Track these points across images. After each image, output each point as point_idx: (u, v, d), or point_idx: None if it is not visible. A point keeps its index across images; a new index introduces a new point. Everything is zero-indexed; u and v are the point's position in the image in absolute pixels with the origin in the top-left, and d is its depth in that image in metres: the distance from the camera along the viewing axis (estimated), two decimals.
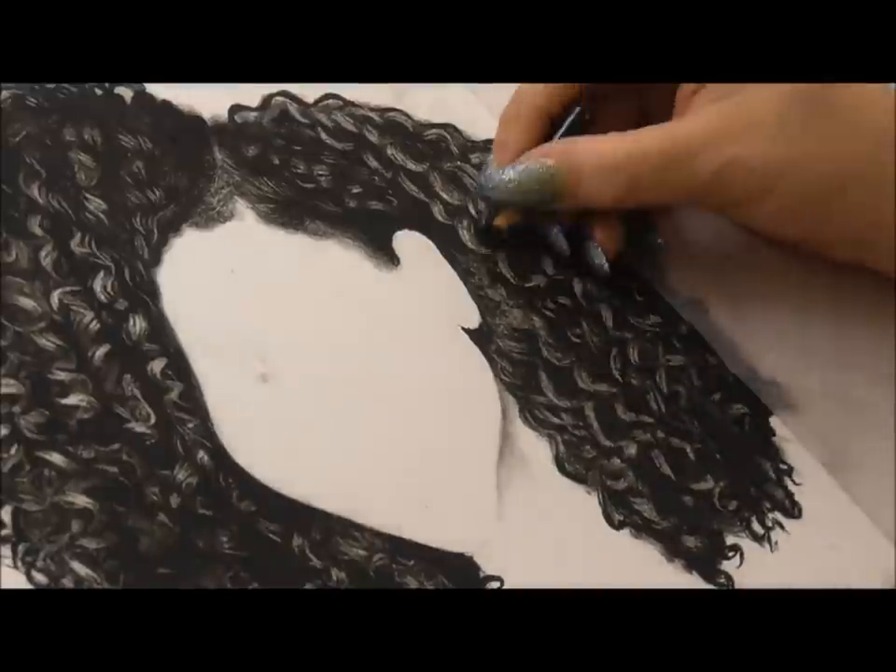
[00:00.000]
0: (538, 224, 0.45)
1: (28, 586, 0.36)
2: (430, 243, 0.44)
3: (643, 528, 0.42)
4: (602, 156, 0.41)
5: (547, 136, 0.43)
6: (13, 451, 0.37)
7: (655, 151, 0.40)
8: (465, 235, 0.45)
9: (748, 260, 0.47)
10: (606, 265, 0.44)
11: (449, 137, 0.46)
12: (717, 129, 0.40)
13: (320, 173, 0.44)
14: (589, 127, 0.43)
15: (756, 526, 0.44)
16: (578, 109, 0.43)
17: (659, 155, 0.40)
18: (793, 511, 0.44)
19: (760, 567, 0.43)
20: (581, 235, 0.44)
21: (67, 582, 0.36)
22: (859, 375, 0.46)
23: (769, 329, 0.46)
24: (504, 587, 0.40)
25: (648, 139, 0.41)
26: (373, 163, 0.45)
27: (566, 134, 0.43)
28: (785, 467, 0.45)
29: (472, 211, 0.45)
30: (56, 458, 0.37)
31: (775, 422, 0.45)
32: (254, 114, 0.44)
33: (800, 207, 0.42)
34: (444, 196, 0.45)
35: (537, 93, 0.43)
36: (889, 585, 0.43)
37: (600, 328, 0.45)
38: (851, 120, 0.41)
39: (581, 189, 0.41)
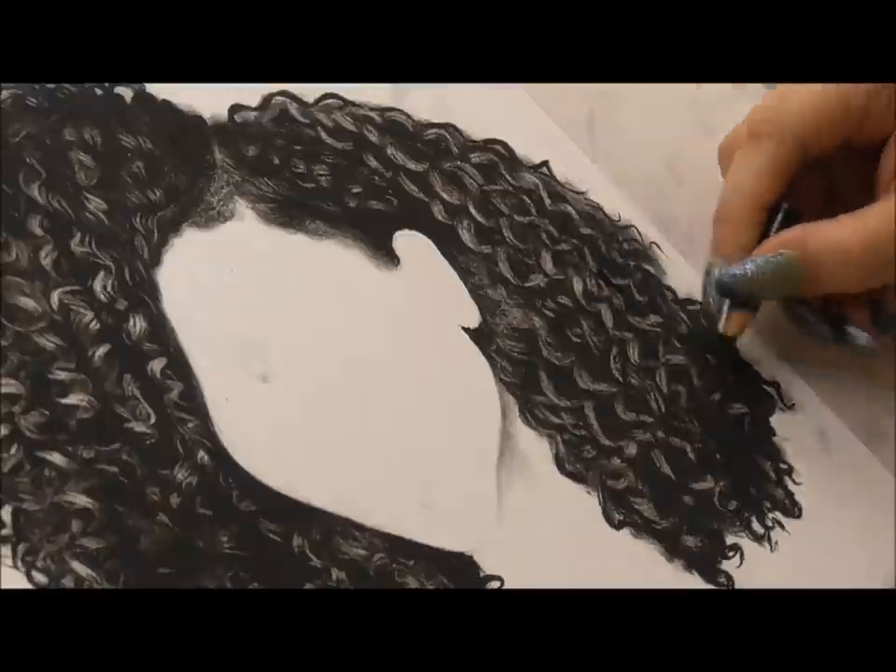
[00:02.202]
0: (793, 311, 0.45)
1: (28, 586, 0.36)
2: (430, 243, 0.44)
3: (643, 528, 0.42)
4: (839, 244, 0.40)
5: (763, 230, 0.43)
6: (13, 451, 0.37)
7: (887, 229, 0.40)
8: (465, 235, 0.45)
9: None
10: (871, 340, 0.44)
11: (449, 137, 0.46)
12: None
13: (320, 173, 0.44)
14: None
15: (756, 526, 0.44)
16: (785, 206, 0.43)
17: (889, 234, 0.40)
18: (793, 510, 0.44)
19: (760, 567, 0.43)
20: (839, 319, 0.44)
21: (67, 582, 0.36)
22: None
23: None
24: (504, 587, 0.40)
25: (875, 224, 0.40)
26: (373, 163, 0.45)
27: (781, 227, 0.43)
28: (785, 467, 0.45)
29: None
30: (56, 458, 0.37)
31: (775, 422, 0.45)
32: (254, 114, 0.44)
33: None
34: (444, 196, 0.45)
35: (752, 186, 0.43)
36: (888, 585, 0.43)
37: (600, 328, 0.45)
38: None
39: (821, 278, 0.41)
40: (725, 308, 0.44)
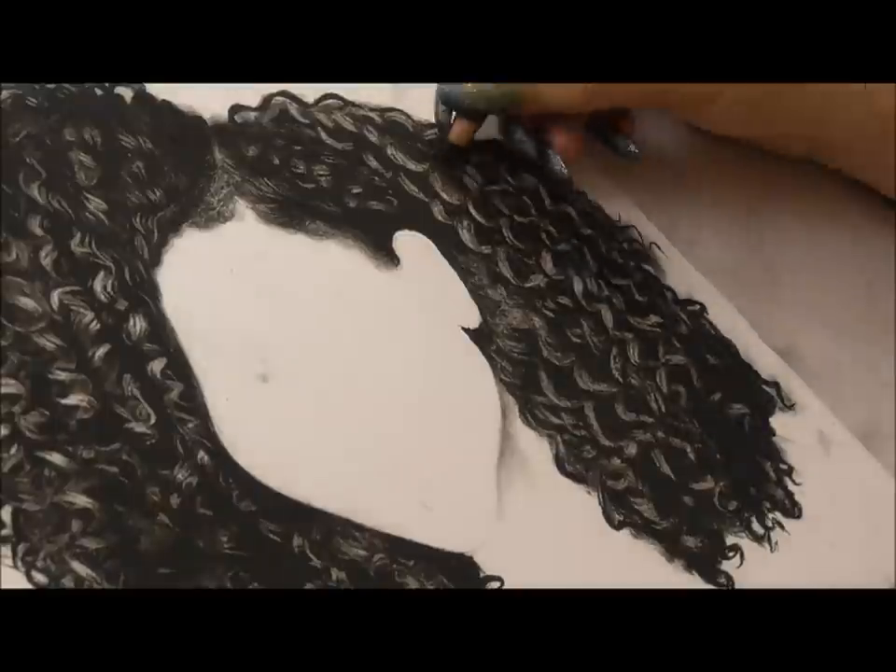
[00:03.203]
0: (501, 133, 0.45)
1: (28, 586, 0.36)
2: (430, 243, 0.44)
3: (643, 528, 0.42)
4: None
5: None
6: (13, 451, 0.37)
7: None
8: (465, 235, 0.45)
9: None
10: (565, 169, 0.44)
11: None
12: None
13: (320, 173, 0.44)
14: None
15: (756, 526, 0.44)
16: None
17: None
18: (793, 511, 0.44)
19: (760, 567, 0.43)
20: (541, 142, 0.45)
21: (67, 582, 0.36)
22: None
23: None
24: (504, 587, 0.40)
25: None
26: (373, 163, 0.45)
27: None
28: (785, 467, 0.45)
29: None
30: (56, 458, 0.37)
31: (775, 422, 0.45)
32: (254, 114, 0.44)
33: (745, 110, 0.44)
34: (444, 196, 0.45)
35: None
36: (888, 585, 0.43)
37: (600, 328, 0.45)
38: None
39: (540, 90, 0.42)
40: (452, 119, 0.44)
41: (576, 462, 0.43)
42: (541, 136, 0.44)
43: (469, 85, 0.43)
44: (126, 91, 0.43)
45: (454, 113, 0.44)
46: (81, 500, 0.37)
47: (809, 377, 0.46)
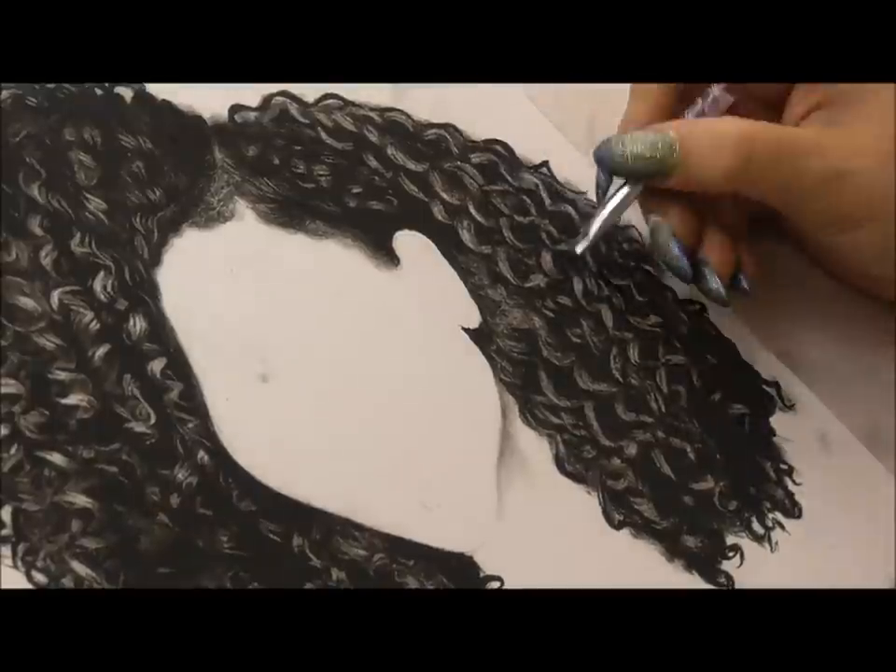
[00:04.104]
0: (655, 248, 0.44)
1: (28, 586, 0.36)
2: (430, 243, 0.44)
3: (643, 528, 0.42)
4: (716, 131, 0.41)
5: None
6: (13, 451, 0.37)
7: (771, 136, 0.41)
8: (465, 235, 0.45)
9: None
10: (722, 289, 0.43)
11: (449, 137, 0.46)
12: (831, 140, 0.41)
13: (320, 173, 0.44)
14: None
15: (756, 526, 0.44)
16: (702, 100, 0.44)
17: (775, 141, 0.41)
18: (793, 511, 0.44)
19: (760, 566, 0.43)
20: (697, 263, 0.43)
21: (67, 582, 0.36)
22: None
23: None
24: (504, 587, 0.40)
25: (763, 125, 0.41)
26: (373, 163, 0.45)
27: None
28: (785, 467, 0.45)
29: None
30: (56, 458, 0.37)
31: (775, 422, 0.45)
32: (254, 114, 0.44)
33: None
34: (444, 196, 0.45)
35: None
36: (888, 585, 0.43)
37: (600, 328, 0.45)
38: None
39: (691, 159, 0.41)
40: (610, 187, 0.43)
41: (576, 462, 0.43)
42: (695, 256, 0.43)
43: (620, 140, 0.41)
44: (126, 91, 0.43)
45: (611, 180, 0.43)
46: (81, 500, 0.37)
47: (810, 381, 0.46)
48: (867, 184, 0.41)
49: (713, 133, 0.41)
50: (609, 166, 0.42)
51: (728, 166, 0.40)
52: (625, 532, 0.42)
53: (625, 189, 0.43)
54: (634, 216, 0.46)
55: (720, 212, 0.44)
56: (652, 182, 0.42)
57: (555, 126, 0.48)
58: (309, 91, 0.45)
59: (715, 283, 0.43)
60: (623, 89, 0.44)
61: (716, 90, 0.44)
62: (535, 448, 0.43)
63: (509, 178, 0.46)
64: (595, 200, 0.45)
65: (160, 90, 0.43)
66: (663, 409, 0.44)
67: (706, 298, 0.44)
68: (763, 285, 0.45)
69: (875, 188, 0.41)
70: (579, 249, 0.43)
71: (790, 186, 0.41)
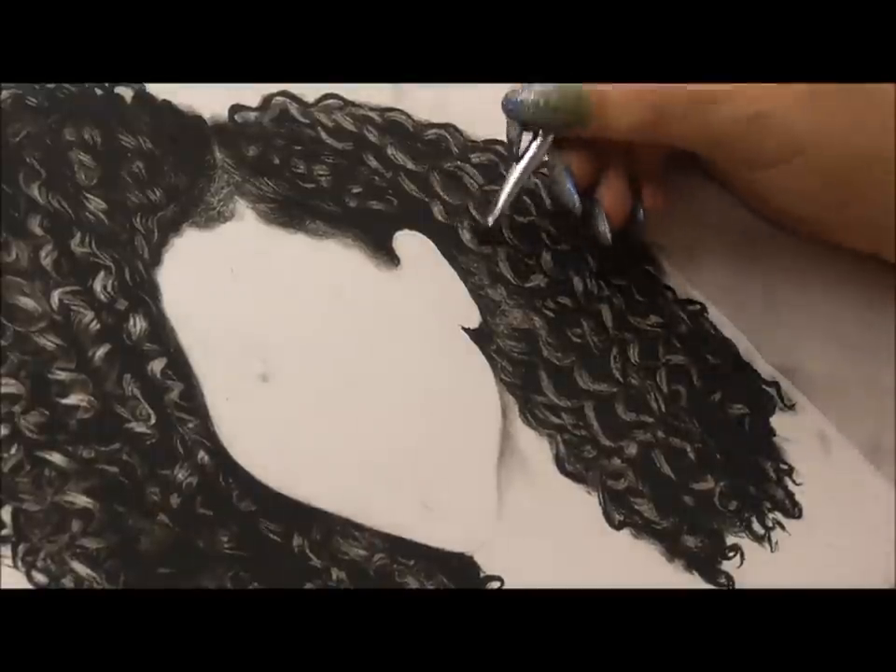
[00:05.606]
0: (550, 181, 0.44)
1: (28, 586, 0.36)
2: (430, 243, 0.44)
3: (643, 528, 0.42)
4: (631, 86, 0.41)
5: None
6: (13, 451, 0.37)
7: (684, 91, 0.41)
8: (465, 235, 0.45)
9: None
10: (609, 233, 0.43)
11: (449, 137, 0.46)
12: (742, 88, 0.41)
13: (320, 173, 0.44)
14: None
15: (756, 526, 0.44)
16: None
17: (688, 93, 0.40)
18: (793, 511, 0.44)
19: (760, 567, 0.43)
20: (589, 201, 0.43)
21: (67, 582, 0.36)
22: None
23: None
24: (504, 587, 0.40)
25: (679, 85, 0.41)
26: (373, 163, 0.45)
27: None
28: (785, 467, 0.45)
29: (472, 211, 0.45)
30: (56, 458, 0.37)
31: (775, 422, 0.45)
32: (254, 114, 0.44)
33: (823, 180, 0.41)
34: (444, 196, 0.45)
35: None
36: (888, 585, 0.43)
37: (600, 328, 0.45)
38: (885, 104, 0.41)
39: (607, 109, 0.41)
40: (522, 138, 0.43)
41: (576, 462, 0.43)
42: (591, 193, 0.43)
43: (531, 90, 0.41)
44: (126, 91, 0.43)
45: (522, 132, 0.43)
46: (81, 500, 0.37)
47: (811, 392, 0.46)
48: (785, 123, 0.40)
49: (625, 87, 0.41)
50: (523, 117, 0.42)
51: (641, 118, 0.41)
52: (626, 532, 0.42)
53: (538, 141, 0.42)
54: None
55: (631, 152, 0.44)
56: (567, 132, 0.42)
57: None
58: (309, 91, 0.45)
59: (603, 224, 0.43)
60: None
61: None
62: (535, 448, 0.43)
63: None
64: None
65: (160, 90, 0.43)
66: (663, 409, 0.44)
67: (595, 236, 0.44)
68: (762, 296, 0.45)
69: (797, 124, 0.40)
70: (490, 221, 0.44)
71: (708, 131, 0.41)
